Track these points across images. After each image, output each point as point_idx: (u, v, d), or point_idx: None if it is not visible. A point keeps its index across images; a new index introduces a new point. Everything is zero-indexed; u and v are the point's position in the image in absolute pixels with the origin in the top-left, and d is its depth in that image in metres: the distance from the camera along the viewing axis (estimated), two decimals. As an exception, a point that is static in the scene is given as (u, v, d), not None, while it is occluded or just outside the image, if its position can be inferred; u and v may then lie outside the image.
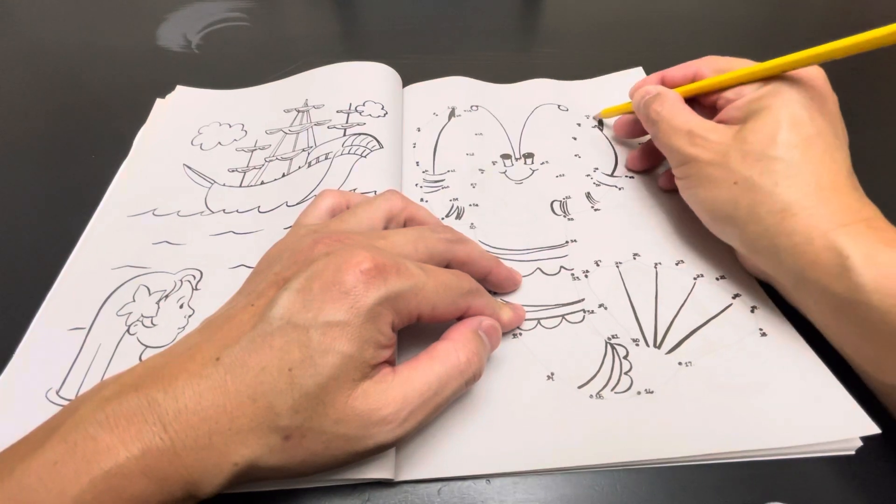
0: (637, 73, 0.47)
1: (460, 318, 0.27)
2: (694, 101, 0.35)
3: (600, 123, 0.43)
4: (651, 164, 0.39)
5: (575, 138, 0.42)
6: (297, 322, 0.21)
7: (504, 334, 0.29)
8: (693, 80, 0.35)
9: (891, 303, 0.24)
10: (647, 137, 0.39)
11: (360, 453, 0.22)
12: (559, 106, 0.45)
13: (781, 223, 0.27)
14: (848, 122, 0.31)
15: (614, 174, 0.39)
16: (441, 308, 0.24)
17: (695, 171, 0.31)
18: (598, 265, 0.33)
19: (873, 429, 0.25)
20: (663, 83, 0.36)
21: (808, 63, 0.29)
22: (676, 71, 0.36)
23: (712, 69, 0.34)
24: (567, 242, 0.35)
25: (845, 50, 0.27)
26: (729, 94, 0.32)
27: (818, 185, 0.27)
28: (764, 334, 0.29)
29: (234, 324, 0.22)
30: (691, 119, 0.32)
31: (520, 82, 0.47)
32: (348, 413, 0.21)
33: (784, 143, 0.28)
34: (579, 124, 0.43)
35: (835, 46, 0.27)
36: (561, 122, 0.43)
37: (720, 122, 0.32)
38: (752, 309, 0.30)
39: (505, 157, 0.41)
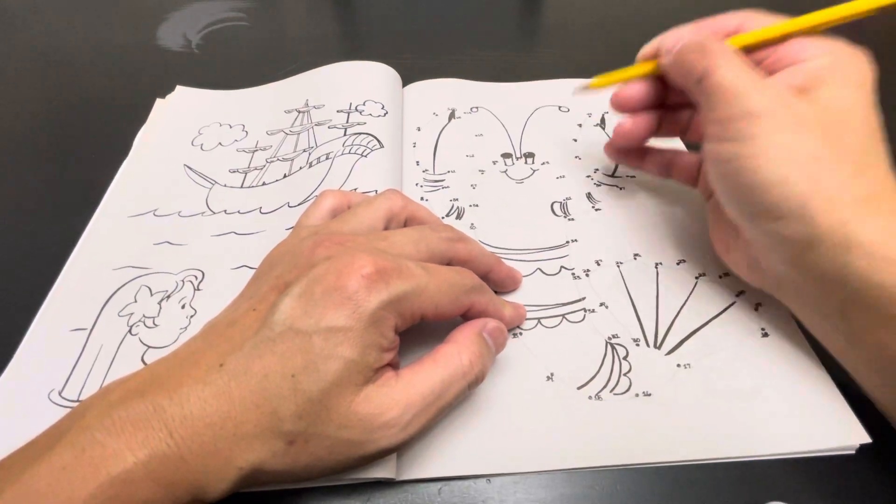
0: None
1: (465, 316, 0.27)
2: None
3: (602, 122, 0.43)
4: (651, 107, 0.33)
5: (575, 139, 0.42)
6: (299, 328, 0.21)
7: (504, 333, 0.29)
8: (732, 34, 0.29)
9: None
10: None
11: (363, 458, 0.22)
12: (560, 107, 0.45)
13: (865, 215, 0.23)
14: None
15: (615, 175, 0.39)
16: (444, 306, 0.24)
17: (760, 133, 0.24)
18: (598, 265, 0.33)
19: (865, 438, 0.25)
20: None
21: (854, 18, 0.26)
22: (711, 23, 0.30)
23: (760, 25, 0.28)
24: (567, 242, 0.35)
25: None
26: (783, 54, 0.27)
27: (891, 179, 0.24)
28: (765, 335, 0.29)
29: (236, 329, 0.22)
30: (759, 71, 0.26)
31: (520, 83, 0.47)
32: (351, 418, 0.21)
33: (860, 131, 0.24)
34: (580, 125, 0.43)
35: None
36: (561, 123, 0.43)
37: None
38: (756, 306, 0.30)
39: (505, 156, 0.41)
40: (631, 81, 0.33)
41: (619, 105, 0.33)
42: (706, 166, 0.28)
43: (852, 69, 0.25)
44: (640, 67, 0.32)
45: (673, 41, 0.29)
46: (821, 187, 0.23)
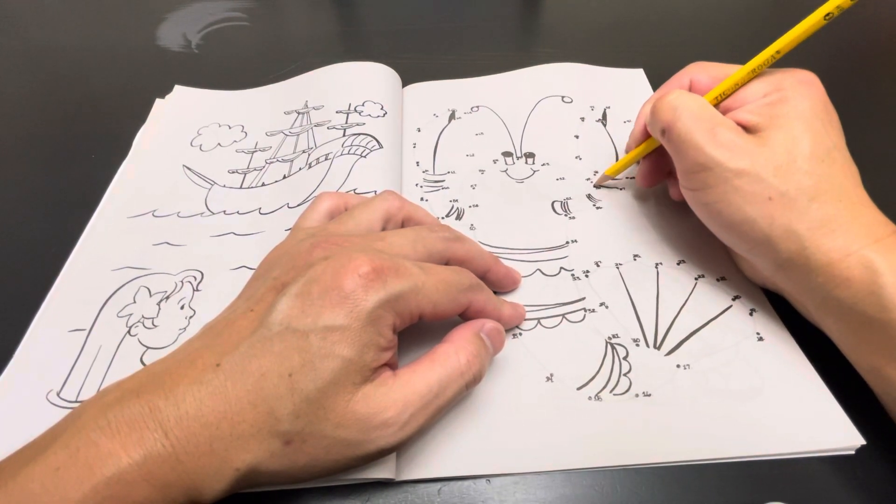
0: (638, 75, 0.47)
1: (463, 316, 0.27)
2: None
3: (604, 117, 0.43)
4: (664, 177, 0.35)
5: (577, 136, 0.42)
6: (296, 327, 0.21)
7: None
8: (689, 90, 0.32)
9: None
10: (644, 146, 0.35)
11: (361, 458, 0.22)
12: (563, 98, 0.45)
13: (820, 240, 0.25)
14: (850, 121, 0.30)
15: (615, 175, 0.39)
16: (442, 305, 0.24)
17: (717, 182, 0.27)
18: (598, 265, 0.33)
19: (859, 440, 0.25)
20: None
21: (801, 39, 0.27)
22: (669, 86, 0.33)
23: (708, 76, 0.31)
24: (567, 243, 0.35)
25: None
26: (730, 102, 0.30)
27: (849, 200, 0.26)
28: (761, 339, 0.29)
29: (233, 329, 0.22)
30: (716, 115, 0.28)
31: (523, 69, 0.47)
32: (349, 417, 0.21)
33: (812, 157, 0.26)
34: (582, 118, 0.43)
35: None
36: (564, 118, 0.43)
37: None
38: (751, 312, 0.30)
39: (506, 154, 0.41)
40: (643, 160, 0.35)
41: (646, 182, 0.36)
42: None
43: (798, 99, 0.27)
44: (641, 149, 0.34)
45: (647, 107, 0.32)
46: (778, 223, 0.26)
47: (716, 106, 0.30)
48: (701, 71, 0.32)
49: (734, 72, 0.30)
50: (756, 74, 0.29)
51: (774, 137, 0.27)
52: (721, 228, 0.29)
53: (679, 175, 0.30)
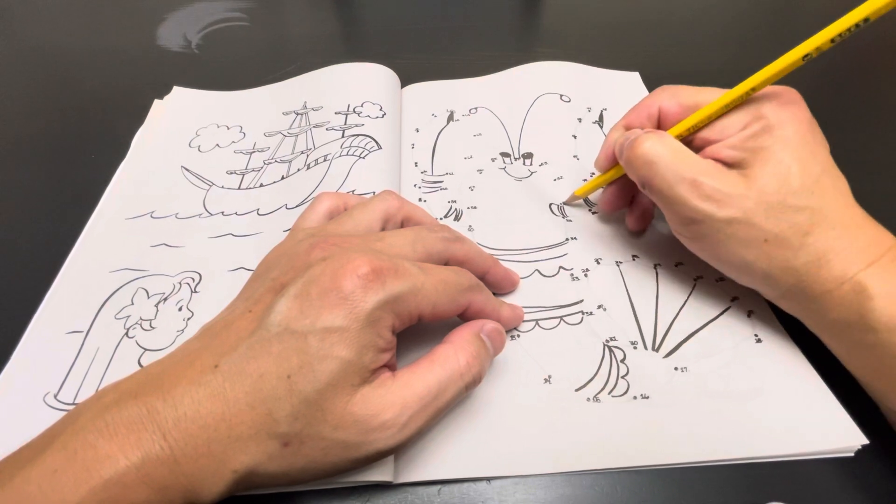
0: (633, 78, 0.47)
1: (462, 316, 0.27)
2: None
3: (601, 119, 0.43)
4: (628, 202, 0.35)
5: (575, 136, 0.42)
6: (294, 328, 0.21)
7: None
8: (658, 119, 0.31)
9: None
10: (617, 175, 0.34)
11: (359, 460, 0.22)
12: (561, 96, 0.44)
13: (818, 272, 0.26)
14: (841, 126, 0.30)
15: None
16: (441, 306, 0.24)
17: (710, 231, 0.27)
18: (598, 262, 0.33)
19: (862, 440, 0.25)
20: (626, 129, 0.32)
21: (777, 77, 0.26)
22: (636, 113, 0.32)
23: (677, 103, 0.30)
24: (567, 240, 0.35)
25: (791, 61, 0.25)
26: (709, 133, 0.28)
27: (843, 225, 0.26)
28: (759, 340, 0.29)
29: (232, 330, 0.22)
30: (695, 164, 0.27)
31: (522, 65, 0.47)
32: (347, 419, 0.21)
33: (802, 189, 0.26)
34: (580, 119, 0.43)
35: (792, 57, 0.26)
36: (561, 117, 0.43)
37: None
38: (749, 313, 0.30)
39: (504, 155, 0.41)
40: (607, 186, 0.34)
41: (608, 207, 0.35)
42: None
43: (782, 126, 0.26)
44: (608, 175, 0.34)
45: (618, 149, 0.31)
46: (775, 262, 0.26)
47: (686, 139, 0.29)
48: (670, 98, 0.31)
49: (704, 97, 0.29)
50: (728, 110, 0.28)
51: (761, 175, 0.26)
52: (721, 267, 0.29)
53: (669, 222, 0.30)
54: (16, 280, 0.34)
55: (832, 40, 0.25)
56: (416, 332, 0.27)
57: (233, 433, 0.20)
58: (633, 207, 0.35)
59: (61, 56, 0.54)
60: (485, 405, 0.27)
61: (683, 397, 0.27)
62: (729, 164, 0.27)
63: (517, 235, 0.35)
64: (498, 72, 0.47)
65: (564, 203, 0.37)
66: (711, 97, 0.29)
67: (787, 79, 0.26)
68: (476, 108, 0.45)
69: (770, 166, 0.26)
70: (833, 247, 0.25)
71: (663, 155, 0.28)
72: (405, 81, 0.47)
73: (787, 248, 0.26)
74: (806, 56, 0.25)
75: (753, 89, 0.27)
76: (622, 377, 0.28)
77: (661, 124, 0.31)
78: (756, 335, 0.29)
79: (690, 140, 0.29)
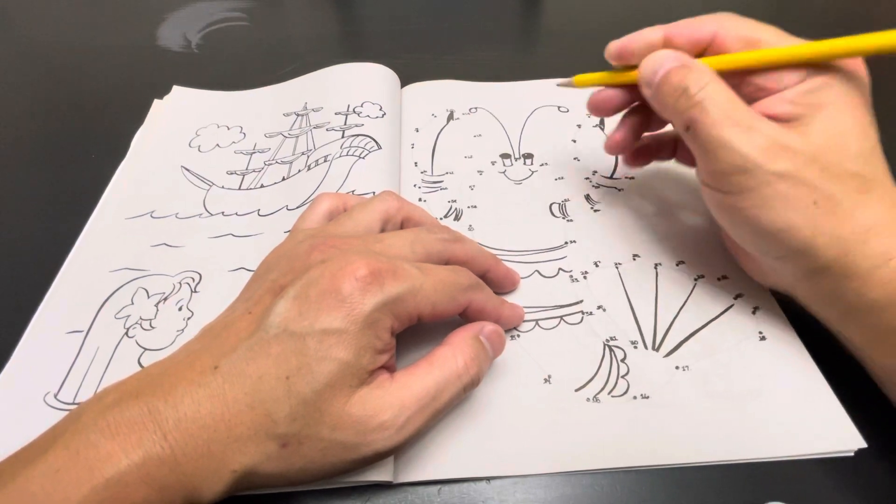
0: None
1: (463, 315, 0.27)
2: None
3: (601, 123, 0.43)
4: (651, 158, 0.33)
5: (574, 140, 0.42)
6: (293, 330, 0.21)
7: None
8: (707, 46, 0.27)
9: None
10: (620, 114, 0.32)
11: (358, 461, 0.22)
12: (559, 107, 0.45)
13: (864, 245, 0.23)
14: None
15: (613, 176, 0.39)
16: (441, 305, 0.24)
17: (756, 184, 0.24)
18: (597, 266, 0.33)
19: (861, 443, 0.25)
20: (667, 46, 0.29)
21: (872, 51, 0.24)
22: (684, 30, 0.28)
23: (737, 38, 0.26)
24: (566, 243, 0.35)
25: None
26: (764, 80, 0.26)
27: (892, 199, 0.24)
28: (763, 338, 0.29)
29: (231, 331, 0.22)
30: (749, 109, 0.25)
31: (519, 82, 0.47)
32: (345, 420, 0.21)
33: (859, 154, 0.24)
34: (579, 125, 0.43)
35: None
36: (560, 124, 0.43)
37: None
38: (754, 310, 0.30)
39: (504, 156, 0.41)
40: (611, 87, 0.32)
41: (596, 108, 0.33)
42: (708, 205, 0.28)
43: (845, 82, 0.25)
44: (625, 76, 0.31)
45: (650, 68, 0.28)
46: (822, 230, 0.24)
47: (734, 77, 0.26)
48: (731, 26, 0.27)
49: (767, 37, 0.26)
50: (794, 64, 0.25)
51: (818, 131, 0.24)
52: (754, 236, 0.26)
53: (705, 176, 0.26)
54: (16, 280, 0.34)
55: None
56: (415, 334, 0.27)
57: (232, 434, 0.20)
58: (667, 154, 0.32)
59: (61, 56, 0.54)
60: (484, 405, 0.27)
61: (684, 397, 0.27)
62: (782, 120, 0.25)
63: (517, 236, 0.35)
64: (497, 76, 0.47)
65: (558, 84, 0.35)
66: (775, 38, 0.26)
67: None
68: (476, 108, 0.45)
69: (829, 123, 0.24)
70: (883, 220, 0.24)
71: (715, 96, 0.25)
72: (405, 81, 0.47)
73: (836, 215, 0.24)
74: None
75: (845, 54, 0.24)
76: (622, 377, 0.28)
77: (706, 53, 0.28)
78: (760, 332, 0.29)
79: (740, 83, 0.26)
